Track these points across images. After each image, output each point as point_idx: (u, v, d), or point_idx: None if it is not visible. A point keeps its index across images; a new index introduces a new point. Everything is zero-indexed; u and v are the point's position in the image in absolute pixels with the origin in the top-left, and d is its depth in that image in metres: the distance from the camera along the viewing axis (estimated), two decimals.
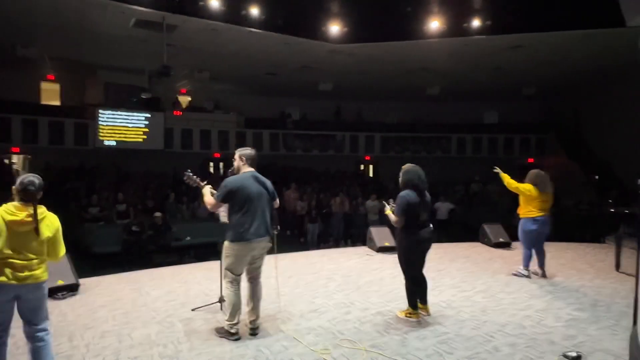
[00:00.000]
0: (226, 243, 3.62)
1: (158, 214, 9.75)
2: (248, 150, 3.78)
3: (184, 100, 17.13)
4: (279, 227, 4.08)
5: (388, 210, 4.17)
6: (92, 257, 8.90)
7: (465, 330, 3.84)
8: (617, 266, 6.03)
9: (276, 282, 4.56)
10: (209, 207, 3.72)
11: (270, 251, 3.85)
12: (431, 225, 4.10)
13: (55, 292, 4.62)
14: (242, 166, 3.76)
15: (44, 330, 2.86)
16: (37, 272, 2.77)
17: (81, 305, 4.45)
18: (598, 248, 7.85)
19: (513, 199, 5.86)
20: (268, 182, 3.78)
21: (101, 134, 13.79)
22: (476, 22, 10.56)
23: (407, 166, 4.12)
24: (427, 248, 4.08)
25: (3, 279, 2.66)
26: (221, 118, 16.22)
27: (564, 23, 10.15)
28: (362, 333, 3.77)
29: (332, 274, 5.78)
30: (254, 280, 3.76)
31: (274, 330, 3.81)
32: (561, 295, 4.88)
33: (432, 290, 4.38)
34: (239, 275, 3.66)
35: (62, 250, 2.96)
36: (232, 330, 3.61)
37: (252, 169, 3.74)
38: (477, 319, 4.12)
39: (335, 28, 10.90)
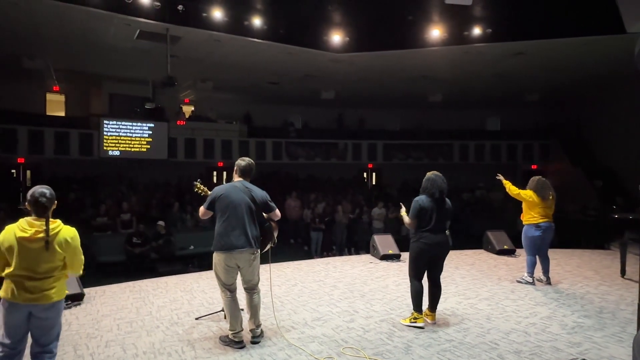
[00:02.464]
0: (213, 252, 3.65)
1: (161, 222, 9.79)
2: (240, 161, 3.82)
3: (188, 110, 17.29)
4: (275, 240, 3.98)
5: (403, 212, 4.31)
6: (96, 267, 8.93)
7: (470, 337, 3.83)
8: (623, 272, 6.00)
9: (277, 291, 4.56)
10: (200, 214, 3.78)
11: (265, 261, 3.84)
12: (447, 232, 4.14)
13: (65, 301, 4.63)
14: (234, 176, 3.81)
15: (49, 352, 2.75)
16: (49, 291, 2.64)
17: (86, 315, 4.46)
18: (603, 254, 7.80)
19: (516, 206, 5.89)
20: (258, 193, 3.71)
21: (106, 144, 13.90)
22: (477, 30, 10.62)
23: (430, 174, 4.22)
24: (442, 253, 4.12)
25: (14, 297, 2.58)
26: (224, 127, 16.33)
27: (564, 30, 10.19)
28: (365, 341, 3.77)
29: (336, 282, 5.77)
30: (250, 291, 3.73)
31: (278, 339, 3.81)
32: (566, 302, 4.86)
33: None
34: (230, 284, 3.65)
35: (78, 264, 2.79)
36: (236, 339, 3.61)
37: (243, 179, 3.75)
38: (482, 326, 4.10)
39: (337, 37, 11.00)
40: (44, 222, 2.64)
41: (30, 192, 2.70)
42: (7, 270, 2.60)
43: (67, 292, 2.85)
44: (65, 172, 13.93)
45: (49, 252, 2.62)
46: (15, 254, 2.58)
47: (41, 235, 2.61)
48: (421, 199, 4.08)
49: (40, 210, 2.66)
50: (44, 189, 2.71)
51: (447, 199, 4.16)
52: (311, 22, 10.95)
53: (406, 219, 4.17)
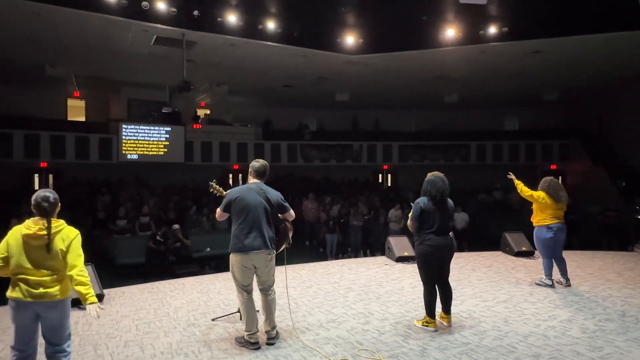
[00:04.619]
0: (230, 254, 3.69)
1: (176, 225, 9.94)
2: (255, 162, 3.86)
3: (203, 113, 17.52)
4: (290, 241, 4.00)
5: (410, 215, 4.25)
6: (115, 268, 9.11)
7: (487, 340, 3.77)
8: None
9: (293, 292, 4.58)
10: (216, 216, 3.83)
11: (280, 263, 3.86)
12: (451, 234, 4.09)
13: (81, 303, 4.74)
14: (249, 177, 3.85)
15: (63, 351, 2.79)
16: (52, 289, 2.70)
17: (105, 315, 4.55)
18: (626, 256, 7.60)
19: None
20: (273, 194, 3.75)
21: (124, 148, 14.19)
22: (493, 29, 10.47)
23: (430, 175, 4.18)
24: (447, 256, 4.07)
25: (18, 295, 2.65)
26: (240, 130, 16.48)
27: (583, 27, 9.98)
28: (381, 343, 3.75)
29: (351, 284, 5.76)
30: (265, 292, 3.76)
31: (293, 340, 3.82)
32: (587, 305, 4.74)
33: (453, 299, 4.31)
34: (247, 285, 3.69)
35: (78, 261, 2.77)
36: (252, 340, 3.64)
37: (258, 180, 3.79)
38: (499, 329, 4.04)
39: (350, 39, 11.00)
40: (46, 222, 2.71)
41: (34, 195, 2.77)
42: (11, 269, 2.68)
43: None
44: (86, 176, 14.26)
45: (50, 251, 2.70)
46: (19, 251, 2.67)
47: (43, 232, 2.68)
48: (422, 200, 4.03)
49: (43, 213, 2.73)
50: (47, 193, 2.77)
51: (449, 200, 4.09)
52: (325, 25, 10.99)
53: (409, 221, 4.14)
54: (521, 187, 5.50)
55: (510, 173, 5.70)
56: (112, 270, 8.98)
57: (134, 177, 14.98)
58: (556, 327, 4.05)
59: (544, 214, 5.37)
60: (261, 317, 3.82)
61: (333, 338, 3.87)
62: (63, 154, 13.56)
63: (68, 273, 2.75)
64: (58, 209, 2.81)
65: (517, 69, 12.78)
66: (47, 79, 12.54)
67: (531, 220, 5.56)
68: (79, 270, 2.76)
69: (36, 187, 14.21)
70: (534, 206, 5.48)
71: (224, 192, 4.03)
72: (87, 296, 2.76)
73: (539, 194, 5.38)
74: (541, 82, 14.30)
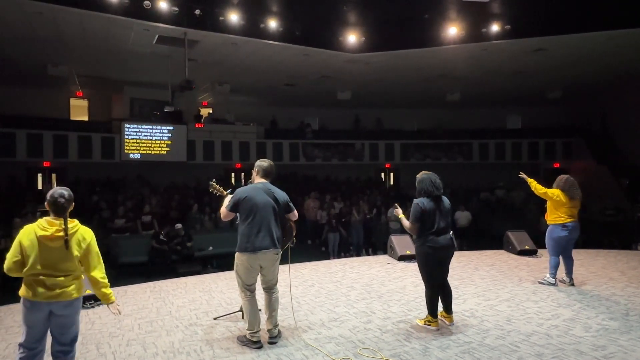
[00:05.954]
0: (236, 253, 3.68)
1: (179, 225, 9.95)
2: (262, 162, 3.84)
3: (205, 112, 17.54)
4: (294, 240, 4.01)
5: (400, 215, 4.20)
6: (118, 268, 9.13)
7: (489, 339, 3.76)
8: None
9: (295, 291, 4.58)
10: (221, 215, 3.80)
11: (285, 261, 3.85)
12: (451, 233, 4.06)
13: (84, 302, 4.74)
14: (255, 177, 3.83)
15: (69, 351, 2.80)
16: (69, 288, 2.70)
17: (108, 314, 4.55)
18: (630, 255, 7.56)
19: (538, 205, 5.77)
20: (280, 194, 3.75)
21: (127, 148, 14.21)
22: (495, 27, 10.44)
23: (420, 174, 4.14)
24: (447, 256, 4.03)
25: (34, 296, 2.64)
26: (242, 129, 16.49)
27: (586, 24, 9.92)
28: (383, 342, 3.74)
29: (353, 283, 5.76)
30: (269, 291, 3.76)
31: (295, 339, 3.82)
32: (590, 304, 4.72)
33: (455, 299, 4.30)
34: (250, 285, 3.69)
35: (98, 264, 2.83)
36: (254, 339, 3.64)
37: (265, 180, 3.78)
38: (502, 328, 4.02)
39: (352, 38, 10.98)
40: (63, 222, 2.71)
41: (49, 192, 2.78)
42: (25, 270, 2.66)
43: (88, 291, 2.90)
44: (88, 175, 14.30)
45: (67, 251, 2.70)
46: (35, 252, 2.65)
47: (61, 234, 2.69)
48: (421, 201, 3.94)
49: (59, 210, 2.73)
50: (62, 190, 2.78)
51: (444, 198, 4.04)
52: (327, 23, 10.97)
53: (406, 222, 4.06)
54: (535, 185, 5.45)
55: (522, 172, 5.66)
56: (114, 269, 9.00)
57: (136, 176, 15.01)
58: (559, 326, 4.03)
59: (558, 211, 5.31)
60: (263, 316, 3.82)
61: (335, 337, 3.87)
62: (66, 154, 13.61)
63: (91, 274, 2.81)
64: (72, 206, 2.81)
65: (520, 67, 12.73)
66: (49, 78, 12.58)
67: (545, 218, 5.52)
68: (102, 273, 2.87)
69: (39, 186, 14.28)
70: (548, 204, 5.42)
71: (224, 192, 4.02)
72: (110, 296, 2.91)
73: (554, 192, 5.32)
74: (544, 80, 14.24)
